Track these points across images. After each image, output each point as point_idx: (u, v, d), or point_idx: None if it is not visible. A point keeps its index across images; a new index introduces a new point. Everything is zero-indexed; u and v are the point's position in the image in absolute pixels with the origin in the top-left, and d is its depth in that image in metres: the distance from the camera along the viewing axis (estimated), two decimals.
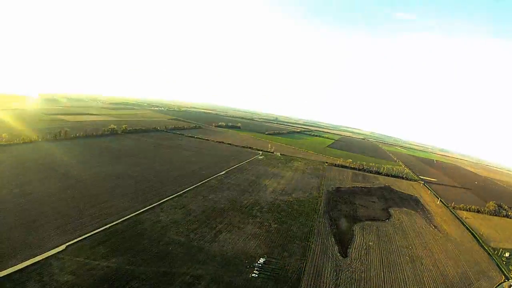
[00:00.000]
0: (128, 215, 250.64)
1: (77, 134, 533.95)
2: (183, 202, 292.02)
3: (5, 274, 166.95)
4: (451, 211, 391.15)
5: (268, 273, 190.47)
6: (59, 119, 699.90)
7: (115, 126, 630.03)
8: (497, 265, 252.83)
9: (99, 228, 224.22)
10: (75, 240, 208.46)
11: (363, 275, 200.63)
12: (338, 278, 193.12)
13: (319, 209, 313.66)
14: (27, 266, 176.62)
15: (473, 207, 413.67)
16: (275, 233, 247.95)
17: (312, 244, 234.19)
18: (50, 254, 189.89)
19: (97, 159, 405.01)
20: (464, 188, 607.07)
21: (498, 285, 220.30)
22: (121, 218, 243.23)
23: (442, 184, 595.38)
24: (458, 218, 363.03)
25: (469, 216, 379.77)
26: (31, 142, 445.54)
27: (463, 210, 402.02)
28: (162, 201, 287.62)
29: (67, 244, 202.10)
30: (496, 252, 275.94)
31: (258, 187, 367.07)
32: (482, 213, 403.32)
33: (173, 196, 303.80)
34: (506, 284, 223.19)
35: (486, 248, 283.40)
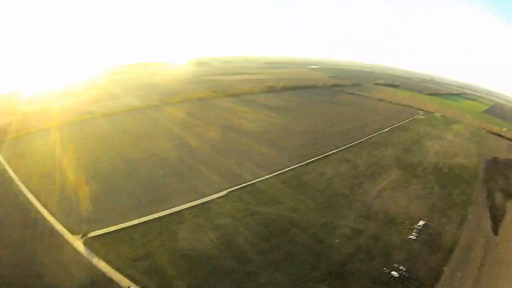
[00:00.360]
0: (294, 165, 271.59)
1: (234, 92, 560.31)
2: (348, 156, 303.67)
3: (159, 216, 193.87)
4: None
5: (426, 238, 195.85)
6: (212, 80, 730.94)
7: (273, 84, 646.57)
8: None
9: (263, 176, 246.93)
10: (238, 187, 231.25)
11: (506, 259, 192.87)
12: (485, 257, 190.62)
13: (477, 178, 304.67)
14: (183, 210, 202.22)
15: None
16: (436, 197, 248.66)
17: (469, 215, 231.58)
18: (209, 199, 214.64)
19: (257, 114, 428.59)
20: None
21: None
22: (286, 168, 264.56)
23: None
24: None
25: None
26: (184, 101, 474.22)
27: None
28: (327, 153, 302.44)
29: (228, 190, 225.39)
30: None
31: (421, 147, 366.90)
32: None
33: (338, 150, 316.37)
34: None
35: None
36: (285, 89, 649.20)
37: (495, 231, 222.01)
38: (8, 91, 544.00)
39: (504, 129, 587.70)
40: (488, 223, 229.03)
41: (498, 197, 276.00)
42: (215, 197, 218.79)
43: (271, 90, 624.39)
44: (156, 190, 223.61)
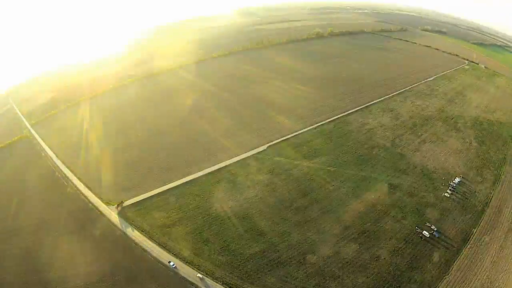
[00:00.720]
0: (337, 115, 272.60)
1: (280, 41, 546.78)
2: (391, 105, 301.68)
3: (192, 178, 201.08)
4: None
5: (459, 196, 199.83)
6: (259, 30, 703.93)
7: (320, 30, 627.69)
8: None
9: (305, 128, 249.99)
10: (278, 141, 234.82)
11: None
12: None
13: None
14: (220, 168, 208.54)
15: None
16: (474, 153, 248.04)
17: (503, 175, 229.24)
18: (248, 155, 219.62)
19: (303, 62, 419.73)
20: None
21: None
22: (329, 118, 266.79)
23: None
24: None
25: None
26: (229, 54, 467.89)
27: None
28: (371, 103, 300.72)
29: (268, 144, 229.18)
30: None
31: (464, 99, 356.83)
32: None
33: (382, 98, 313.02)
34: None
35: None
36: (332, 35, 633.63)
37: None
38: (55, 67, 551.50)
39: None
40: None
41: None
42: (255, 152, 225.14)
43: (319, 36, 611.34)
44: (187, 152, 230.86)
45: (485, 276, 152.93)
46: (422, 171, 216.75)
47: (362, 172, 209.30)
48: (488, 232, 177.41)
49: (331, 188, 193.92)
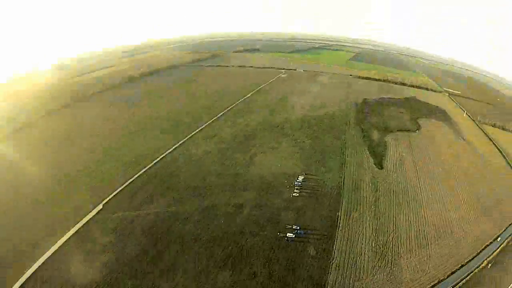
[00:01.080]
0: (160, 156, 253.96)
1: (93, 91, 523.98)
2: (212, 131, 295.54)
3: (39, 265, 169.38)
4: (477, 125, 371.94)
5: (309, 191, 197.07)
6: (71, 83, 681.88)
7: (131, 73, 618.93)
8: None
9: (133, 177, 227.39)
10: (111, 196, 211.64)
11: (400, 187, 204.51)
12: (377, 190, 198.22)
13: (349, 122, 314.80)
14: (65, 242, 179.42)
15: (498, 123, 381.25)
16: (310, 149, 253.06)
17: (347, 157, 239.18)
18: (87, 219, 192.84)
19: (113, 110, 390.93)
20: (487, 103, 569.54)
21: None
22: (154, 161, 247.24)
23: (467, 98, 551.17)
24: (485, 134, 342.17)
25: (494, 132, 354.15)
26: (45, 116, 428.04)
27: (489, 125, 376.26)
28: (192, 134, 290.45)
29: (103, 202, 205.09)
30: None
31: (286, 105, 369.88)
32: (506, 130, 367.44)
33: (202, 127, 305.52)
34: None
35: None
36: (143, 75, 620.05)
37: (380, 166, 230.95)
38: None
39: (374, 71, 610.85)
40: (370, 161, 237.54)
41: (376, 135, 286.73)
42: (92, 215, 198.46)
43: (131, 79, 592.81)
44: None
45: (373, 244, 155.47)
46: (262, 182, 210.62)
47: (203, 203, 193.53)
48: (355, 209, 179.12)
49: (178, 227, 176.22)
